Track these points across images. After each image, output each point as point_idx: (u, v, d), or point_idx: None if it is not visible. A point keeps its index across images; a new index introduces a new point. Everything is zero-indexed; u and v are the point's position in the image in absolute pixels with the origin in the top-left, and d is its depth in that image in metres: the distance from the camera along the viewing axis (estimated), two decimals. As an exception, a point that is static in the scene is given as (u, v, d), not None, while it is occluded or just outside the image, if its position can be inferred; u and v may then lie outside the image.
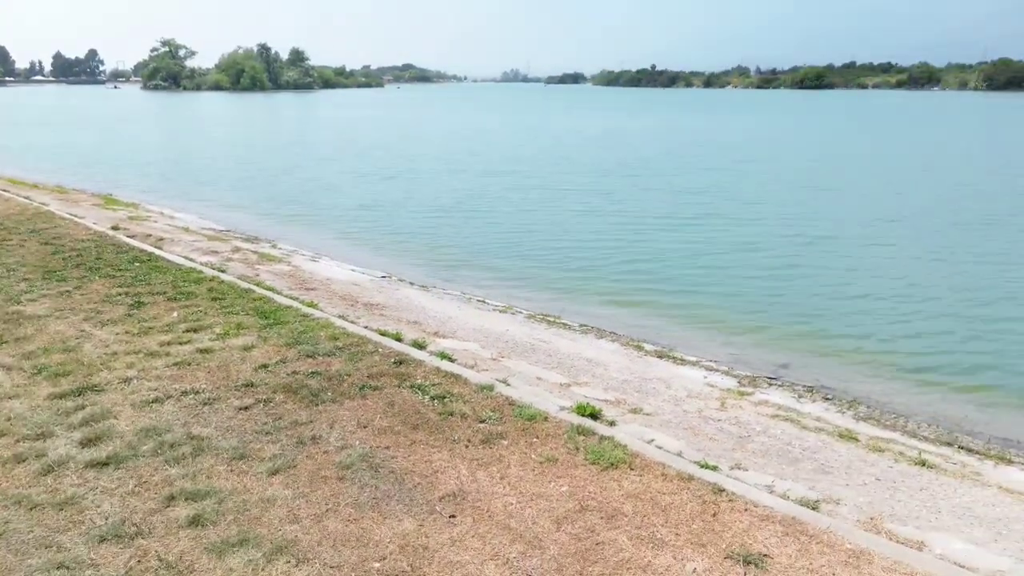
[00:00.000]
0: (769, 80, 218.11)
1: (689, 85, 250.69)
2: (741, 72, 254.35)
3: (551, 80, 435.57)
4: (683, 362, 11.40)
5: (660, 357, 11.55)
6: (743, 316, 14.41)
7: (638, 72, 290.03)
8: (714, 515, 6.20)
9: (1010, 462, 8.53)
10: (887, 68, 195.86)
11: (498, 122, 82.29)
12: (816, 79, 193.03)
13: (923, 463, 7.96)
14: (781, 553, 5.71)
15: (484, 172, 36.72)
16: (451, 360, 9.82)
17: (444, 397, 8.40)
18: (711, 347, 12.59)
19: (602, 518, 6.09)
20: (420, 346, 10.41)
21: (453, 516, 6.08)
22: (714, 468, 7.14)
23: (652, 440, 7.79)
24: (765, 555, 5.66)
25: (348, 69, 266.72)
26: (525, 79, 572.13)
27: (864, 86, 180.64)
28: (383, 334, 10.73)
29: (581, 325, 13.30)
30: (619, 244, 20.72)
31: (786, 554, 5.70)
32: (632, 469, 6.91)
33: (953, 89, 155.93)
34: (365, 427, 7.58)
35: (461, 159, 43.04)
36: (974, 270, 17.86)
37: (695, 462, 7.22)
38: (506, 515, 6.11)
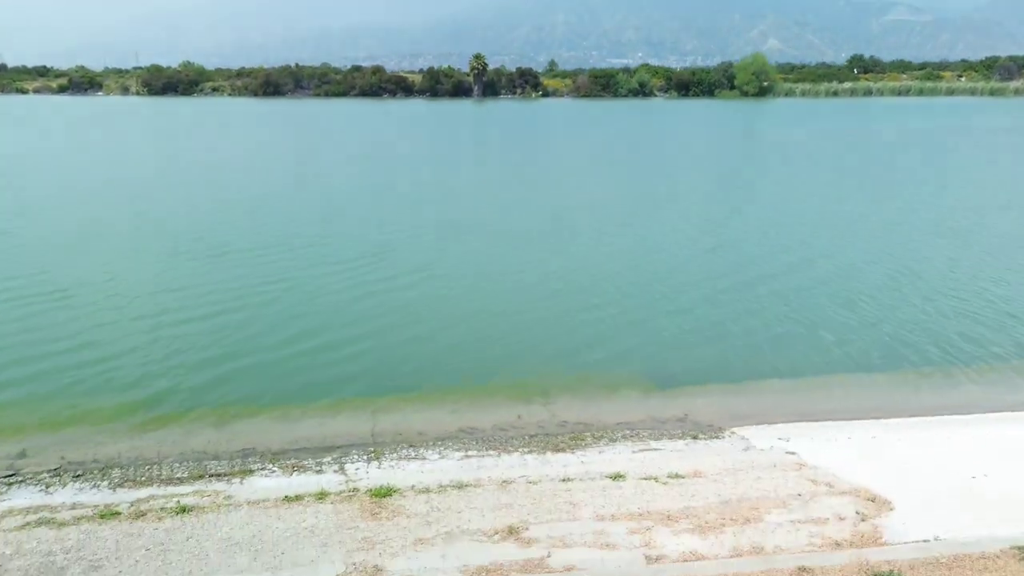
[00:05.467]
0: None
1: None
2: None
3: None
4: None
5: None
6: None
7: None
8: None
9: (251, 472, 10.08)
10: (44, 71, 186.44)
11: None
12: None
13: (183, 510, 8.66)
14: None
15: None
16: None
17: None
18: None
19: None
20: None
21: None
22: (-33, 639, 6.13)
23: None
24: None
25: None
26: None
27: (24, 91, 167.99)
28: None
29: None
30: None
31: None
32: None
33: (117, 94, 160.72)
34: None
35: None
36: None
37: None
38: None
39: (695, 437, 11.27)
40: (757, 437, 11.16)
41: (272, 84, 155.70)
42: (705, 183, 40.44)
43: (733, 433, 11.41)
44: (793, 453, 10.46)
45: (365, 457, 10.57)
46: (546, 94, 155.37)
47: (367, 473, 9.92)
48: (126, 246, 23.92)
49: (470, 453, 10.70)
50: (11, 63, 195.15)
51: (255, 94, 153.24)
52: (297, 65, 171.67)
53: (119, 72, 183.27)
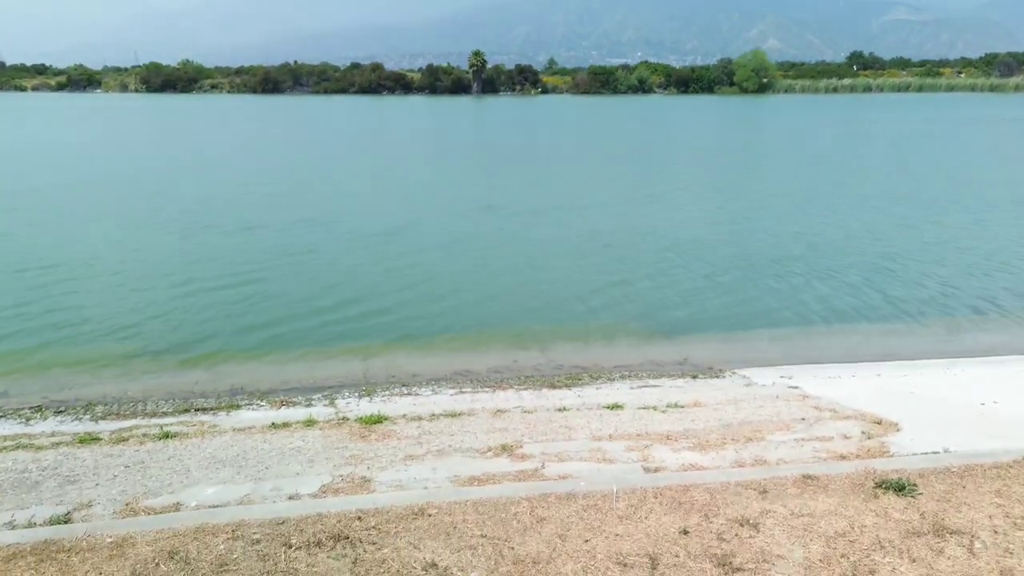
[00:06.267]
0: None
1: None
2: None
3: None
4: None
5: None
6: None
7: None
8: (-57, 585, 5.12)
9: (238, 407, 9.81)
10: (42, 70, 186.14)
11: None
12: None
13: (167, 436, 8.37)
14: (37, 582, 5.18)
15: None
16: None
17: None
18: None
19: None
20: None
21: None
22: (-70, 535, 5.84)
23: None
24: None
25: None
26: None
27: (23, 88, 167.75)
28: None
29: None
30: None
31: (43, 581, 5.20)
32: None
33: (116, 91, 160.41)
34: None
35: None
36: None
37: (-100, 540, 5.74)
38: None
39: (695, 376, 10.98)
40: (759, 376, 10.87)
41: (271, 81, 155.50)
42: (717, 163, 40.17)
43: (734, 373, 11.12)
44: (796, 387, 10.17)
45: (356, 394, 10.30)
46: (545, 91, 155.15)
47: (358, 406, 9.64)
48: (150, 221, 23.69)
49: (464, 390, 10.42)
50: (10, 61, 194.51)
51: (254, 91, 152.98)
52: (296, 62, 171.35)
53: (118, 70, 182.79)
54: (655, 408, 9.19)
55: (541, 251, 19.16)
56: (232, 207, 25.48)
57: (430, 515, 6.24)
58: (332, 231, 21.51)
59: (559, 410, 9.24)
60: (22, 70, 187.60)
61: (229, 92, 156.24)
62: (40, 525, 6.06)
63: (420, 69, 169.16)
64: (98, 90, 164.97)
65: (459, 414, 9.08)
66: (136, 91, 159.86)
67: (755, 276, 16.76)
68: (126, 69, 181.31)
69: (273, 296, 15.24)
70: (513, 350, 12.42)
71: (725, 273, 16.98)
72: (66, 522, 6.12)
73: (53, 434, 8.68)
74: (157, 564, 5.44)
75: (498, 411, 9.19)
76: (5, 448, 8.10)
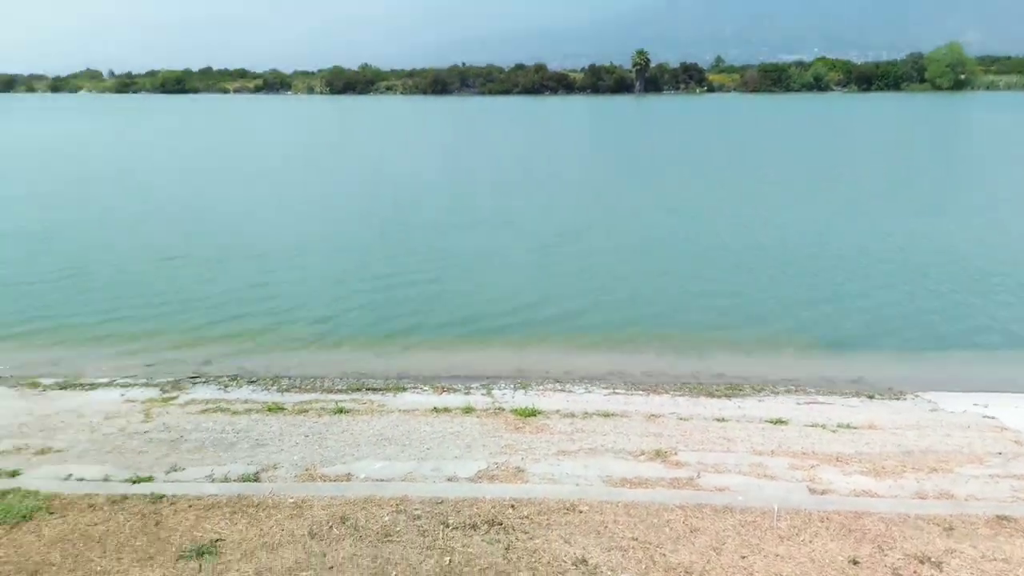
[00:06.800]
0: (127, 84, 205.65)
1: (32, 90, 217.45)
2: (93, 75, 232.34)
3: None
4: (94, 386, 10.23)
5: (64, 388, 10.12)
6: (148, 323, 13.68)
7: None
8: (157, 524, 5.87)
9: (404, 390, 10.37)
10: (243, 74, 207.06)
11: None
12: (177, 83, 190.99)
13: (341, 411, 9.04)
14: (232, 531, 5.80)
15: None
16: None
17: None
18: (124, 363, 11.63)
19: (23, 581, 5.13)
20: None
21: None
22: (148, 479, 6.73)
23: (70, 475, 6.84)
24: (218, 539, 5.66)
25: None
26: None
27: (226, 90, 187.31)
28: None
29: (-60, 379, 10.58)
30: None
31: (237, 530, 5.82)
32: (52, 513, 5.97)
33: (303, 93, 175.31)
34: None
35: None
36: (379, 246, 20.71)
37: (126, 480, 6.67)
38: None
39: (871, 396, 10.17)
40: (947, 401, 9.88)
41: (440, 83, 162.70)
42: (914, 169, 37.08)
43: (917, 396, 10.18)
44: (992, 418, 9.15)
45: (512, 386, 10.53)
46: (711, 89, 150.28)
47: (513, 398, 9.86)
48: (350, 217, 25.83)
49: (618, 391, 10.34)
50: (216, 66, 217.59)
51: (424, 93, 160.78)
52: (464, 64, 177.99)
53: (306, 74, 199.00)
54: (824, 427, 8.65)
55: (706, 256, 18.62)
56: (417, 206, 26.72)
57: (581, 511, 6.28)
58: (507, 231, 21.90)
59: (717, 420, 8.94)
60: (226, 74, 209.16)
61: (401, 93, 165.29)
62: (234, 481, 6.76)
63: (582, 69, 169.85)
64: (288, 92, 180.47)
65: (612, 414, 9.05)
66: (320, 93, 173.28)
67: (953, 291, 15.25)
68: (313, 73, 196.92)
69: (440, 290, 15.97)
70: (670, 354, 12.18)
71: (915, 285, 15.60)
72: (255, 480, 6.79)
73: (246, 401, 9.63)
74: (330, 527, 5.90)
75: (652, 415, 9.05)
76: (208, 410, 9.12)
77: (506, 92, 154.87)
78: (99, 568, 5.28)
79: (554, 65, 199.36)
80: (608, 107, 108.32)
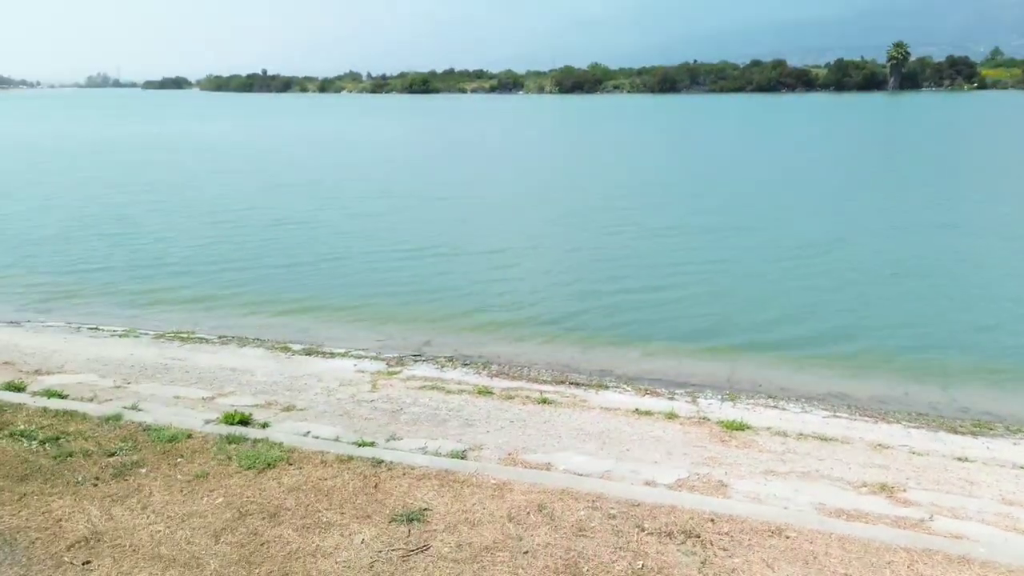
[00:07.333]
0: (381, 85, 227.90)
1: (304, 90, 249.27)
2: (354, 77, 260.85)
3: (150, 85, 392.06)
4: (333, 355, 11.50)
5: (309, 355, 11.49)
6: (383, 305, 15.03)
7: (248, 77, 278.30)
8: (375, 486, 6.45)
9: (606, 387, 10.40)
10: (480, 75, 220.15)
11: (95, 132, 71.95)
12: (423, 84, 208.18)
13: (544, 401, 9.29)
14: (439, 503, 6.20)
15: (78, 191, 31.98)
16: (62, 397, 8.52)
17: (58, 439, 7.26)
18: (359, 337, 12.92)
19: (264, 519, 5.91)
20: (17, 388, 8.81)
21: (88, 562, 5.34)
22: (371, 444, 7.41)
23: (308, 432, 7.77)
24: (426, 509, 6.09)
25: None
26: (117, 84, 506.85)
27: (464, 90, 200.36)
28: (-39, 384, 8.80)
29: (220, 336, 12.52)
30: (240, 253, 19.85)
31: (443, 503, 6.21)
32: (291, 464, 6.82)
33: (534, 92, 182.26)
34: (-50, 494, 6.18)
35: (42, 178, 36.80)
36: (581, 242, 21.14)
37: (353, 443, 7.41)
38: (154, 544, 5.57)
39: None
40: None
41: (668, 81, 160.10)
42: None
43: None
44: None
45: (719, 397, 10.10)
46: (983, 86, 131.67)
47: (719, 409, 9.45)
48: (583, 216, 26.78)
49: (839, 414, 9.49)
50: (457, 67, 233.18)
51: (652, 91, 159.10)
52: (695, 62, 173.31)
53: (538, 74, 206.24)
54: (1101, 484, 7.24)
55: (982, 282, 16.32)
56: (655, 208, 26.57)
57: (788, 537, 5.86)
58: (747, 238, 20.94)
59: (959, 459, 7.86)
60: (465, 75, 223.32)
61: (629, 92, 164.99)
62: (443, 456, 7.23)
63: (826, 65, 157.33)
64: (520, 92, 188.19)
65: (830, 439, 8.32)
66: (550, 92, 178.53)
67: None
68: (544, 72, 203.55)
69: (656, 297, 15.69)
70: (905, 381, 10.92)
71: None
72: (462, 458, 7.21)
73: (459, 382, 10.24)
74: (528, 513, 6.08)
75: (878, 445, 8.18)
76: (425, 387, 9.84)
77: (738, 90, 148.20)
78: (325, 519, 5.92)
79: (793, 61, 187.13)
80: (861, 104, 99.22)
